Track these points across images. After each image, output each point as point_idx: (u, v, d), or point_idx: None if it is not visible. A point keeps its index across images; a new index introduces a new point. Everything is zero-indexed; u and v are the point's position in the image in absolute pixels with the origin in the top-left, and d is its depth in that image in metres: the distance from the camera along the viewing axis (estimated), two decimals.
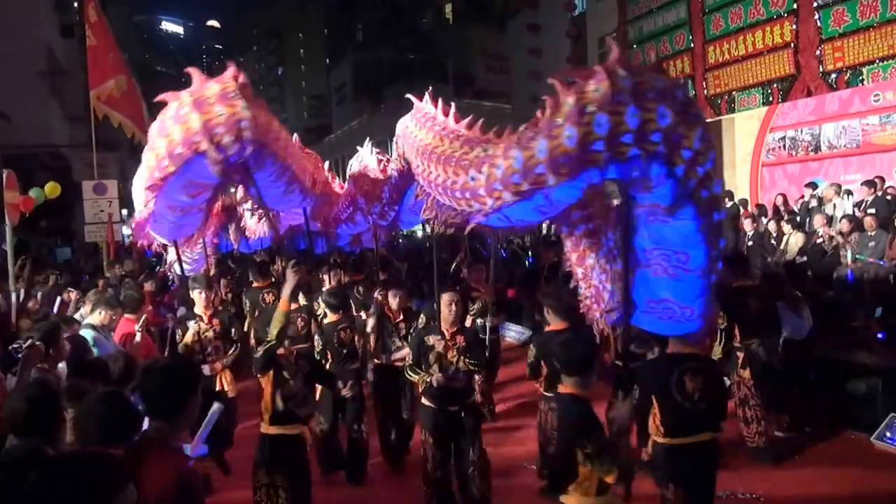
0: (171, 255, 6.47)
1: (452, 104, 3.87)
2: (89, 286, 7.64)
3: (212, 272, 7.75)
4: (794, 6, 12.67)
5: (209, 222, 5.30)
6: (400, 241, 15.99)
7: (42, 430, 2.48)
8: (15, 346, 3.78)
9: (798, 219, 10.05)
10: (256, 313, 7.47)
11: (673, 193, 2.66)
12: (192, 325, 5.18)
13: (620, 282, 3.22)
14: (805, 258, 8.76)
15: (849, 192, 9.98)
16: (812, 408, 5.93)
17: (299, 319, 4.60)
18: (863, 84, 11.58)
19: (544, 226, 12.20)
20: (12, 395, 2.85)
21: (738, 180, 13.76)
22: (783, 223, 9.71)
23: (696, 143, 2.60)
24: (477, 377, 5.19)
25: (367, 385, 5.81)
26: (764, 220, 10.30)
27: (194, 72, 3.53)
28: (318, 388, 4.70)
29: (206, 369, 5.01)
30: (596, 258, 3.68)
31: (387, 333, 5.42)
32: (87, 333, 4.71)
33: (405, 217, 5.75)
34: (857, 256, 8.06)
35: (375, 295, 5.42)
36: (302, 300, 5.44)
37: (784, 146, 12.51)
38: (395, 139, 4.49)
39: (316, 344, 5.09)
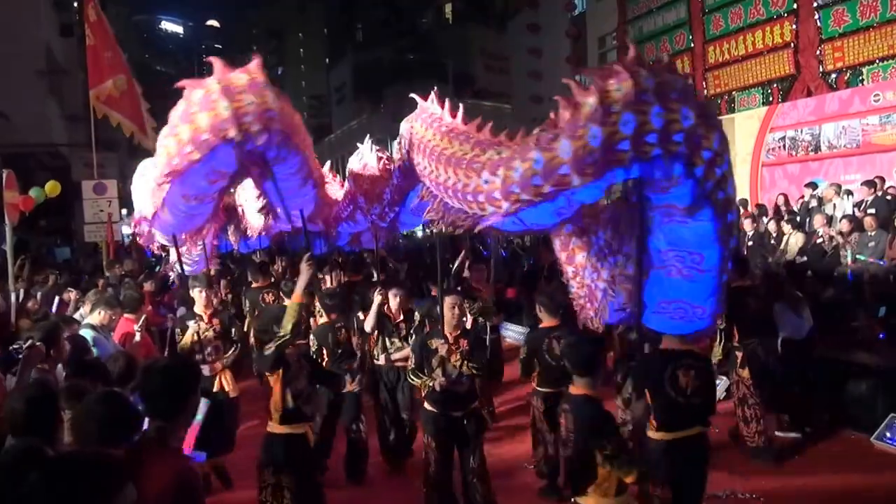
0: (172, 255, 6.43)
1: (460, 105, 3.82)
2: (89, 286, 7.64)
3: (212, 272, 7.75)
4: (794, 6, 12.68)
5: (211, 222, 5.26)
6: (400, 241, 15.98)
7: (40, 430, 2.48)
8: (15, 346, 3.77)
9: (798, 219, 10.05)
10: (256, 313, 7.50)
11: (692, 194, 2.66)
12: (191, 324, 5.14)
13: (630, 283, 3.21)
14: (805, 258, 8.76)
15: (849, 192, 9.98)
16: (812, 408, 5.93)
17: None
18: (863, 84, 11.59)
19: None
20: (11, 395, 2.85)
21: (738, 180, 13.72)
22: (783, 223, 9.71)
23: (715, 144, 2.61)
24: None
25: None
26: (764, 220, 10.29)
27: (216, 61, 3.55)
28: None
29: (205, 369, 4.98)
30: (587, 256, 3.69)
31: (387, 333, 5.39)
32: (87, 333, 4.70)
33: (405, 219, 5.67)
34: (857, 256, 8.06)
35: (375, 295, 5.37)
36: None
37: (784, 146, 12.51)
38: (398, 139, 4.44)
39: (311, 343, 5.07)
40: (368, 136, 6.39)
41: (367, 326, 5.40)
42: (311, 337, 5.14)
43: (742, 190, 13.54)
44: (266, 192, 4.92)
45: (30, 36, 17.19)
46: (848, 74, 12.01)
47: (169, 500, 2.14)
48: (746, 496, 4.66)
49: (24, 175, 9.25)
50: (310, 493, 3.89)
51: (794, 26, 12.79)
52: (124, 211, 14.63)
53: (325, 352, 5.08)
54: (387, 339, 5.39)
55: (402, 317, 5.46)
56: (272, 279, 8.08)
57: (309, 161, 4.44)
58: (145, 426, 2.38)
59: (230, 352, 5.31)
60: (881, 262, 7.76)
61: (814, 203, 10.34)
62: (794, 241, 9.24)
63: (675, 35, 15.44)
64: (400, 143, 4.38)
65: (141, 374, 2.55)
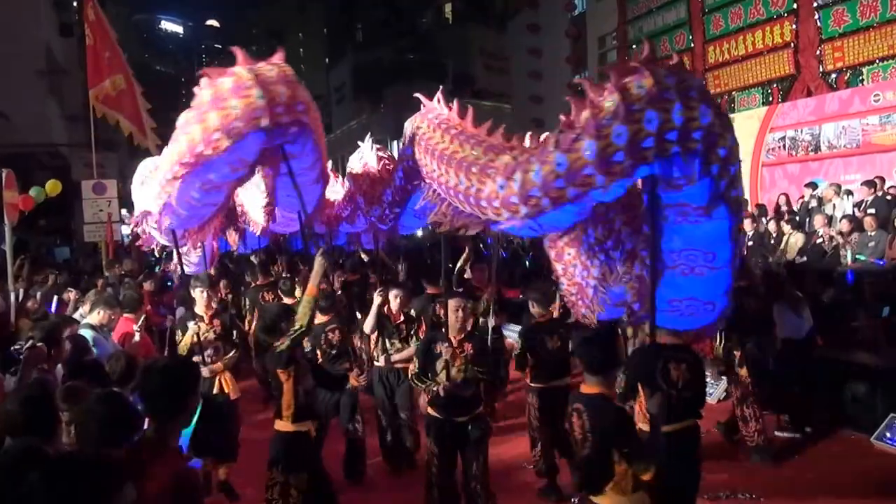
0: (173, 255, 6.37)
1: (469, 107, 3.77)
2: (88, 286, 7.64)
3: (211, 272, 7.76)
4: (794, 6, 12.69)
5: (217, 217, 5.22)
6: (401, 242, 15.98)
7: (39, 430, 2.47)
8: (16, 346, 3.76)
9: (798, 219, 10.05)
10: (256, 312, 7.51)
11: (709, 192, 2.66)
12: (191, 325, 5.07)
13: (638, 282, 3.21)
14: (805, 258, 8.76)
15: (849, 192, 9.98)
16: (812, 408, 5.92)
17: None
18: (863, 84, 11.59)
19: None
20: (10, 396, 2.85)
21: None
22: (783, 223, 9.71)
23: (729, 143, 2.64)
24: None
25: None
26: (764, 220, 10.29)
27: (238, 51, 3.58)
28: None
29: (205, 371, 4.91)
30: (576, 253, 3.69)
31: (387, 335, 5.31)
32: (87, 333, 4.70)
33: (407, 221, 5.55)
34: (857, 256, 8.05)
35: (376, 295, 5.30)
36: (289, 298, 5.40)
37: (784, 146, 12.50)
38: (403, 139, 4.37)
39: (305, 344, 5.04)
40: (369, 135, 6.33)
41: (367, 328, 5.33)
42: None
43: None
44: (274, 189, 4.89)
45: (30, 36, 17.18)
46: (848, 74, 12.02)
47: (168, 500, 2.14)
48: (746, 496, 4.65)
49: (24, 175, 9.24)
50: (320, 491, 3.89)
51: (794, 26, 12.80)
52: (124, 211, 14.64)
53: (318, 353, 5.05)
54: (387, 341, 5.31)
55: (402, 318, 5.40)
56: (272, 278, 8.08)
57: (323, 159, 4.50)
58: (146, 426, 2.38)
59: (231, 354, 5.22)
60: (881, 262, 7.76)
61: (814, 203, 10.33)
62: (794, 241, 9.23)
63: (675, 35, 15.44)
64: (404, 142, 4.32)
65: (140, 375, 2.54)
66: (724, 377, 6.17)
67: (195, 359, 4.86)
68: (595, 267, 3.76)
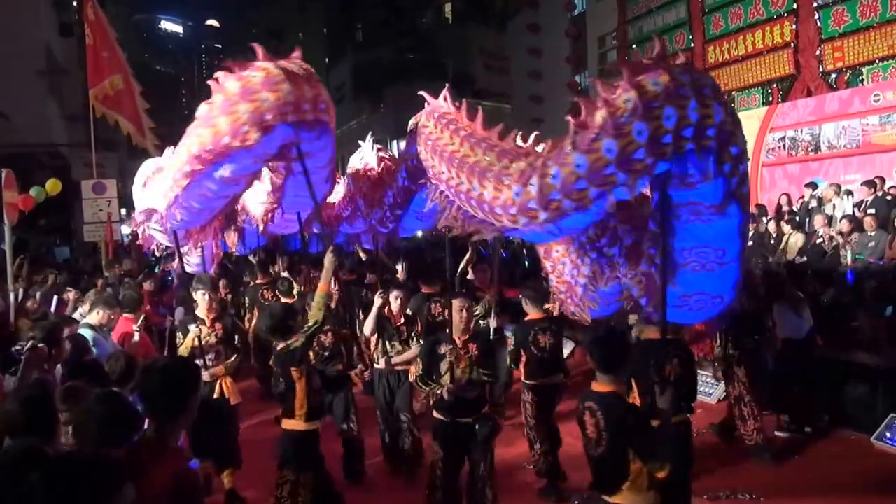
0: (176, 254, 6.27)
1: (479, 109, 3.72)
2: (88, 286, 7.64)
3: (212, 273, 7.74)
4: (794, 6, 12.69)
5: (215, 222, 5.19)
6: (401, 244, 15.95)
7: (38, 431, 2.47)
8: (17, 347, 3.76)
9: (798, 219, 10.05)
10: (256, 310, 7.51)
11: (722, 191, 2.67)
12: (192, 328, 4.95)
13: (646, 278, 3.22)
14: (805, 258, 8.76)
15: (849, 192, 9.98)
16: (812, 408, 5.93)
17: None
18: (863, 84, 11.60)
19: None
20: (10, 396, 2.85)
21: None
22: (783, 223, 9.71)
23: (740, 141, 2.67)
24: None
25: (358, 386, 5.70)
26: (764, 220, 10.29)
27: (258, 47, 3.61)
28: None
29: (205, 375, 4.79)
30: (565, 251, 3.70)
31: (387, 336, 5.24)
32: (86, 333, 4.70)
33: (408, 223, 5.47)
34: (857, 256, 8.05)
35: (376, 297, 5.23)
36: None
37: (784, 146, 12.50)
38: (407, 137, 4.30)
39: None
40: (370, 134, 6.30)
41: (367, 329, 5.25)
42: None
43: None
44: (283, 188, 4.86)
45: (30, 36, 17.16)
46: (848, 74, 12.02)
47: (168, 500, 2.14)
48: (746, 496, 4.66)
49: (24, 175, 9.24)
50: (326, 490, 3.89)
51: (794, 26, 12.80)
52: (123, 210, 14.64)
53: (311, 354, 5.01)
54: (387, 343, 5.24)
55: (402, 319, 5.33)
56: (271, 277, 8.09)
57: (334, 159, 4.53)
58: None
59: (232, 359, 5.13)
60: (881, 263, 7.76)
61: (814, 203, 10.34)
62: (794, 241, 9.24)
63: (675, 35, 15.44)
64: (408, 140, 4.27)
65: (140, 374, 2.54)
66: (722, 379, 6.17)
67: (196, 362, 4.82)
68: (585, 265, 3.78)
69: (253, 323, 7.51)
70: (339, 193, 6.61)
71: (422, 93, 4.17)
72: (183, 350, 4.93)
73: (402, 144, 5.08)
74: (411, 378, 5.16)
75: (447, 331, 4.32)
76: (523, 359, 5.04)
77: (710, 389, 6.72)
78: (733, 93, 14.09)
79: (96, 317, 4.96)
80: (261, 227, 6.52)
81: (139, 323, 5.23)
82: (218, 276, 8.28)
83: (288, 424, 3.83)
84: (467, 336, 4.24)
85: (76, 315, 5.58)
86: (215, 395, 4.86)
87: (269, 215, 5.71)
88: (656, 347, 3.57)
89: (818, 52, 12.38)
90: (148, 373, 2.43)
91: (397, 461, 5.34)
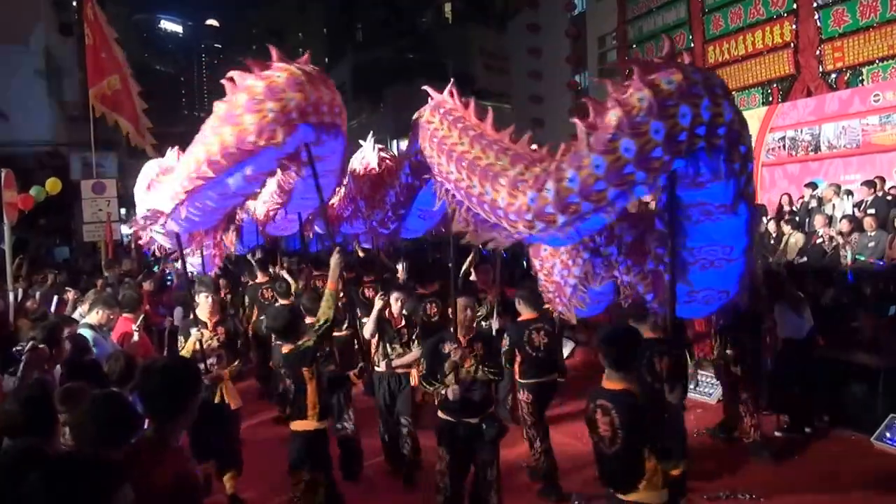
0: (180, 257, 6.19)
1: (489, 109, 3.69)
2: (88, 285, 7.63)
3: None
4: (794, 6, 12.69)
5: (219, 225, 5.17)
6: (401, 242, 15.90)
7: (38, 431, 2.47)
8: (18, 348, 3.75)
9: (798, 219, 10.05)
10: (256, 309, 7.50)
11: (732, 190, 2.69)
12: (194, 331, 4.91)
13: (653, 277, 3.23)
14: (805, 258, 8.76)
15: (849, 192, 9.98)
16: (812, 408, 5.93)
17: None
18: (863, 84, 11.59)
19: None
20: (9, 396, 2.84)
21: None
22: (783, 223, 9.71)
23: (748, 140, 2.70)
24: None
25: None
26: (764, 221, 10.29)
27: (273, 49, 3.66)
28: None
29: (205, 379, 4.72)
30: (556, 251, 3.70)
31: (388, 339, 5.16)
32: (86, 333, 4.69)
33: (412, 223, 5.38)
34: (857, 256, 8.05)
35: (377, 300, 5.16)
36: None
37: (784, 146, 12.50)
38: (411, 132, 4.25)
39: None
40: (371, 134, 6.28)
41: (367, 332, 5.16)
42: None
43: None
44: (292, 190, 4.84)
45: (30, 36, 17.15)
46: (848, 74, 12.02)
47: (168, 500, 2.14)
48: (746, 496, 4.65)
49: (24, 174, 9.25)
50: (334, 490, 3.92)
51: (793, 26, 12.80)
52: (123, 210, 14.63)
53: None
54: (388, 346, 5.16)
55: (403, 322, 5.26)
56: (271, 276, 8.08)
57: (344, 163, 4.58)
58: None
59: (235, 364, 5.07)
60: (881, 263, 7.76)
61: (814, 203, 10.33)
62: (793, 241, 9.24)
63: (674, 35, 15.42)
64: (411, 136, 4.22)
65: (140, 375, 2.53)
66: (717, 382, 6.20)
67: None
68: (577, 266, 3.79)
69: (253, 320, 7.51)
70: (338, 194, 6.59)
71: (425, 87, 4.12)
72: (184, 354, 4.86)
73: (402, 144, 5.06)
74: (413, 382, 5.14)
75: (451, 330, 4.26)
76: (518, 358, 5.04)
77: (710, 390, 6.72)
78: (733, 93, 14.07)
79: (95, 317, 4.95)
80: (261, 228, 6.51)
81: (138, 323, 5.22)
82: (217, 277, 8.28)
83: (300, 425, 3.80)
84: (472, 335, 4.20)
85: (75, 315, 5.57)
86: (216, 400, 4.80)
87: (272, 214, 5.69)
88: (647, 345, 3.57)
89: (818, 52, 12.38)
90: (147, 373, 2.42)
91: (398, 463, 5.29)
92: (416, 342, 5.17)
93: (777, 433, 5.78)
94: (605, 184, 2.55)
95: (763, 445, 5.30)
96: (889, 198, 9.20)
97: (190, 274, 6.08)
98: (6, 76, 15.77)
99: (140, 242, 6.69)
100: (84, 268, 12.31)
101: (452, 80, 4.05)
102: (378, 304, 5.09)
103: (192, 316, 5.18)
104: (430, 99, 4.02)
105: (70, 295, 6.92)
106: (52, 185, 10.07)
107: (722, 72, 14.21)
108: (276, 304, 6.96)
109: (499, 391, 5.50)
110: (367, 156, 6.09)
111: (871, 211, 8.80)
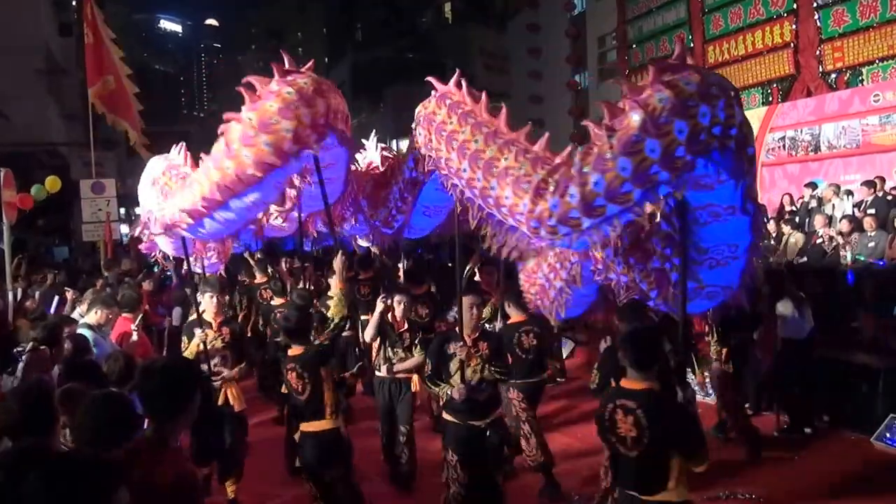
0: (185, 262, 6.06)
1: (503, 106, 3.63)
2: (87, 285, 7.62)
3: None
4: (794, 6, 12.69)
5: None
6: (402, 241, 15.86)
7: (37, 431, 2.46)
8: (18, 349, 3.75)
9: (798, 219, 10.05)
10: (255, 309, 7.50)
11: (742, 191, 2.72)
12: (198, 332, 4.83)
13: (657, 275, 3.25)
14: (805, 258, 8.76)
15: (849, 193, 9.98)
16: (812, 408, 5.93)
17: None
18: (863, 84, 11.60)
19: None
20: (8, 396, 2.84)
21: None
22: (783, 223, 9.71)
23: (752, 142, 2.74)
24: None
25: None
26: (764, 221, 10.29)
27: (284, 53, 3.68)
28: None
29: (215, 383, 4.74)
30: (542, 255, 3.69)
31: (389, 343, 5.07)
32: (85, 333, 4.68)
33: (417, 221, 5.28)
34: (857, 256, 8.05)
35: (378, 302, 5.07)
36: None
37: (784, 146, 12.51)
38: (415, 123, 4.15)
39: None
40: (374, 133, 6.27)
41: (368, 336, 5.06)
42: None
43: None
44: (299, 197, 4.83)
45: (29, 35, 17.15)
46: (848, 74, 12.02)
47: (168, 500, 2.13)
48: (746, 496, 4.65)
49: (23, 174, 9.23)
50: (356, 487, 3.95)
51: (793, 26, 12.80)
52: (122, 210, 14.62)
53: None
54: (389, 349, 5.07)
55: (405, 325, 5.15)
56: (269, 276, 8.08)
57: (350, 171, 4.64)
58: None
59: (241, 366, 4.98)
60: (881, 263, 7.76)
61: (814, 203, 10.33)
62: (793, 241, 9.23)
63: (674, 35, 15.44)
64: (415, 127, 4.15)
65: (139, 375, 2.53)
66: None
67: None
68: (563, 269, 3.77)
69: (251, 321, 7.51)
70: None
71: (430, 79, 4.06)
72: (188, 355, 4.80)
73: (403, 144, 5.06)
74: (414, 388, 5.10)
75: (456, 329, 4.18)
76: (508, 360, 4.97)
77: (710, 390, 6.71)
78: None
79: (94, 316, 4.93)
80: (258, 230, 6.45)
81: (137, 322, 5.20)
82: (220, 277, 8.26)
83: (317, 426, 3.73)
84: (477, 334, 4.12)
85: (74, 315, 5.56)
86: (220, 403, 4.76)
87: (278, 216, 5.63)
88: None
89: (818, 53, 12.38)
90: (147, 373, 2.41)
91: (396, 467, 5.20)
92: (418, 347, 5.07)
93: (777, 433, 5.78)
94: (632, 185, 2.57)
95: (745, 440, 5.31)
96: (889, 198, 9.20)
97: (196, 275, 6.02)
98: (6, 76, 15.76)
99: (140, 246, 6.64)
100: (83, 267, 12.32)
101: (458, 70, 3.95)
102: (379, 306, 5.00)
103: (195, 316, 5.07)
104: (434, 92, 3.95)
105: (69, 295, 6.91)
106: (52, 183, 10.06)
107: (722, 72, 14.20)
108: (271, 303, 6.99)
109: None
110: (370, 155, 6.08)
111: (871, 211, 8.80)
